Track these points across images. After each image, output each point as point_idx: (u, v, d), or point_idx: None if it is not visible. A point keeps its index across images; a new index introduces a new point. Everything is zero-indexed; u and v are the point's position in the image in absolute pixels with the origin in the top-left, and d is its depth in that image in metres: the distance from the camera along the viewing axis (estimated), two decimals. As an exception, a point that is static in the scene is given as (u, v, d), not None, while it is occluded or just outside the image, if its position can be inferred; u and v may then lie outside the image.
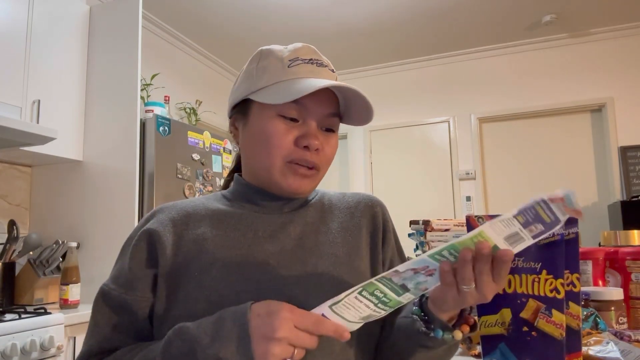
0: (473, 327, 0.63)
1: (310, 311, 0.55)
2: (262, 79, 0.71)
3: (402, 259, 0.80)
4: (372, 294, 0.55)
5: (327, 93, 0.71)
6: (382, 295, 0.55)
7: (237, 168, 0.86)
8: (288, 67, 0.70)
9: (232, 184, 0.83)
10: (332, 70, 0.74)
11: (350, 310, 0.55)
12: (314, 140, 0.68)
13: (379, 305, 0.56)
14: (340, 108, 0.74)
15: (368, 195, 0.82)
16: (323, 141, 0.71)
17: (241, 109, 0.75)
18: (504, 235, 0.50)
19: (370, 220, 0.78)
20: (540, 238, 0.52)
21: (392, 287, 0.55)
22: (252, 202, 0.75)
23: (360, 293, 0.54)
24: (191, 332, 0.57)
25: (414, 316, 0.63)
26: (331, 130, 0.73)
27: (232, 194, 0.78)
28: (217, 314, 0.58)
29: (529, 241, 0.52)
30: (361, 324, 0.59)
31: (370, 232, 0.77)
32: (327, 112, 0.71)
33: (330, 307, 0.55)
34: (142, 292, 0.67)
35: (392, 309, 0.58)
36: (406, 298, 0.57)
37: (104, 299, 0.69)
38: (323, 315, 0.55)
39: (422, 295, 0.63)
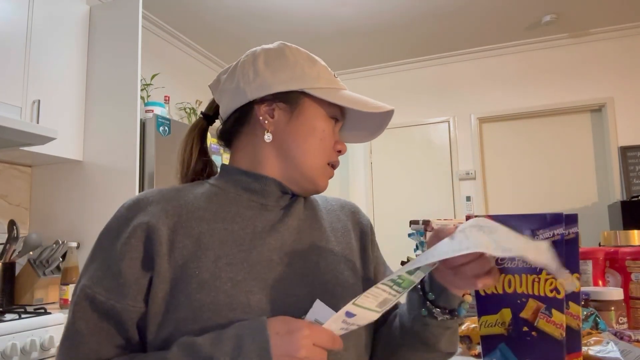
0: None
1: (337, 312, 0.55)
2: (319, 79, 0.72)
3: (384, 263, 0.84)
4: (389, 279, 0.57)
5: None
6: (397, 277, 0.57)
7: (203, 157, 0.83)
8: (335, 77, 0.75)
9: (204, 173, 0.82)
10: None
11: (369, 298, 0.56)
12: (345, 147, 0.75)
13: (394, 287, 0.57)
14: None
15: (350, 202, 0.86)
16: None
17: (288, 98, 0.71)
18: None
19: (356, 224, 0.81)
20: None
21: (408, 271, 0.57)
22: (250, 191, 0.72)
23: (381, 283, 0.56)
24: (205, 350, 0.54)
25: (425, 314, 0.66)
26: None
27: (226, 184, 0.73)
28: (233, 331, 0.56)
29: None
30: (380, 313, 0.59)
31: (358, 235, 0.80)
32: (342, 122, 0.78)
33: (352, 303, 0.55)
34: (133, 300, 0.61)
35: (406, 290, 0.60)
36: (418, 276, 0.59)
37: (88, 304, 0.62)
38: (347, 313, 0.55)
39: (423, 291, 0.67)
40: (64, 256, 2.08)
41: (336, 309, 0.56)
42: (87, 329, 0.61)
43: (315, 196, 0.83)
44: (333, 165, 0.75)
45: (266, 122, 0.72)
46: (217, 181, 0.74)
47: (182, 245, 0.63)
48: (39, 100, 2.10)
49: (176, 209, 0.66)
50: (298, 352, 0.52)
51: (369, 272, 0.77)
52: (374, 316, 0.58)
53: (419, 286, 0.66)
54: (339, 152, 0.75)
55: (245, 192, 0.72)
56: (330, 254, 0.71)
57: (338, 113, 0.74)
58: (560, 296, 0.61)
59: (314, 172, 0.72)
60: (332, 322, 0.56)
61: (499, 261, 0.64)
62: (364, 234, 0.80)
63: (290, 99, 0.71)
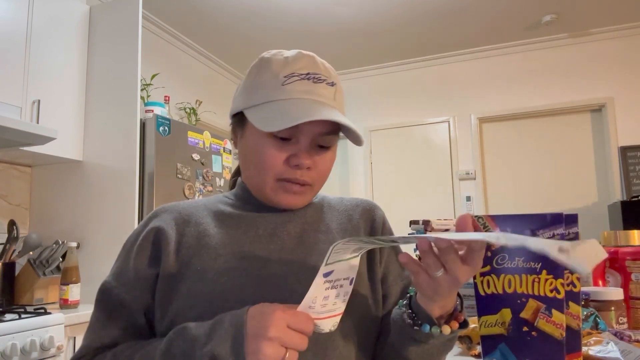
0: (463, 324, 0.64)
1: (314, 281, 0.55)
2: (257, 94, 0.69)
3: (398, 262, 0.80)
4: (357, 240, 0.56)
5: None
6: (371, 240, 0.56)
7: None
8: (282, 84, 0.67)
9: (235, 186, 0.85)
10: (331, 84, 0.70)
11: (339, 253, 0.56)
12: (305, 160, 0.67)
13: (366, 242, 0.57)
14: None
15: (366, 200, 0.84)
16: (316, 158, 0.70)
17: (239, 119, 0.74)
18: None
19: (368, 223, 0.80)
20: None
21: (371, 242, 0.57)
22: (253, 204, 0.77)
23: (346, 241, 0.55)
24: (191, 332, 0.59)
25: (403, 308, 0.64)
26: (326, 146, 0.71)
27: (235, 196, 0.80)
28: (217, 317, 0.60)
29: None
30: (359, 256, 0.59)
31: (367, 234, 0.79)
32: (321, 131, 0.69)
33: (324, 265, 0.55)
34: (141, 293, 0.69)
35: (384, 243, 0.58)
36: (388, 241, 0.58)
37: (106, 295, 0.71)
38: (324, 274, 0.55)
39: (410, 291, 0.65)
40: (64, 256, 2.07)
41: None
42: (103, 316, 0.70)
43: (331, 197, 0.84)
44: (290, 180, 0.69)
45: (233, 142, 0.79)
46: (230, 194, 0.81)
47: (188, 246, 0.70)
48: (39, 100, 2.10)
49: (185, 217, 0.74)
50: (267, 332, 0.53)
51: (375, 274, 0.75)
52: (355, 261, 0.59)
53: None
54: (297, 166, 0.68)
55: (248, 204, 0.77)
56: None
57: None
58: (560, 296, 0.61)
59: (264, 190, 0.71)
60: (312, 291, 0.55)
61: (498, 261, 0.64)
62: (373, 233, 0.79)
63: (239, 120, 0.75)
